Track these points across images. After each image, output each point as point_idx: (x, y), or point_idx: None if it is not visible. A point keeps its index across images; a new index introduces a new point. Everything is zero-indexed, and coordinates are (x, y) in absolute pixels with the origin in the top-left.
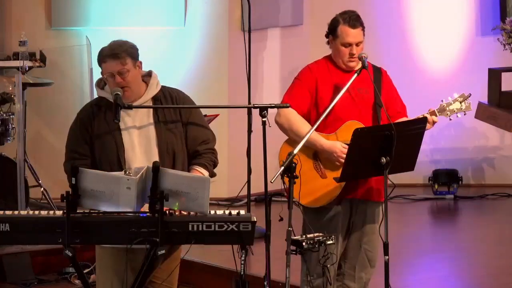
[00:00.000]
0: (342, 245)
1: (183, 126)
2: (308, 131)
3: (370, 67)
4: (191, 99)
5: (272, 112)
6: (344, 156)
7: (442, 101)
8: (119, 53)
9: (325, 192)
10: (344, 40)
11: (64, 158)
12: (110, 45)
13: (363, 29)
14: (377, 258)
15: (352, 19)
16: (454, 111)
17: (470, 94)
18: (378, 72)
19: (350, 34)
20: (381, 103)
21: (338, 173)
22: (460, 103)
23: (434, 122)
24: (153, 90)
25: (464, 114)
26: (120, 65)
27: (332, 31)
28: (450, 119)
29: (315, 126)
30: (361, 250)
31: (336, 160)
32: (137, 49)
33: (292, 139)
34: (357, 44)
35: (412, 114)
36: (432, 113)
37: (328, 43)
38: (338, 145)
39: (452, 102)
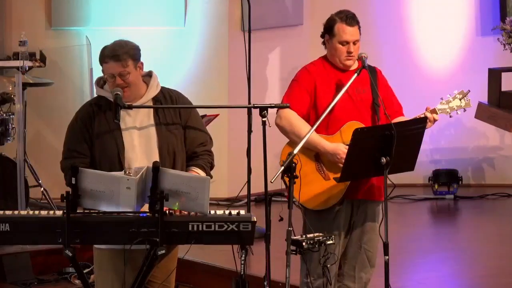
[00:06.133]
0: (342, 245)
1: (182, 128)
2: (309, 132)
3: None
4: (189, 101)
5: (272, 112)
6: None
7: (441, 98)
8: (120, 55)
9: (329, 194)
10: (342, 38)
11: (62, 156)
12: (112, 45)
13: (359, 28)
14: (377, 257)
15: (349, 17)
16: (454, 108)
17: (469, 91)
18: (373, 72)
19: (348, 32)
20: (378, 103)
21: None
22: (460, 100)
23: (435, 120)
24: (153, 91)
25: (464, 111)
26: (121, 67)
27: (328, 30)
28: (451, 116)
29: (315, 127)
30: (361, 250)
31: (339, 162)
32: (139, 50)
33: (294, 141)
34: (354, 43)
35: (412, 114)
36: (433, 111)
37: (323, 43)
38: (341, 147)
39: (452, 100)
